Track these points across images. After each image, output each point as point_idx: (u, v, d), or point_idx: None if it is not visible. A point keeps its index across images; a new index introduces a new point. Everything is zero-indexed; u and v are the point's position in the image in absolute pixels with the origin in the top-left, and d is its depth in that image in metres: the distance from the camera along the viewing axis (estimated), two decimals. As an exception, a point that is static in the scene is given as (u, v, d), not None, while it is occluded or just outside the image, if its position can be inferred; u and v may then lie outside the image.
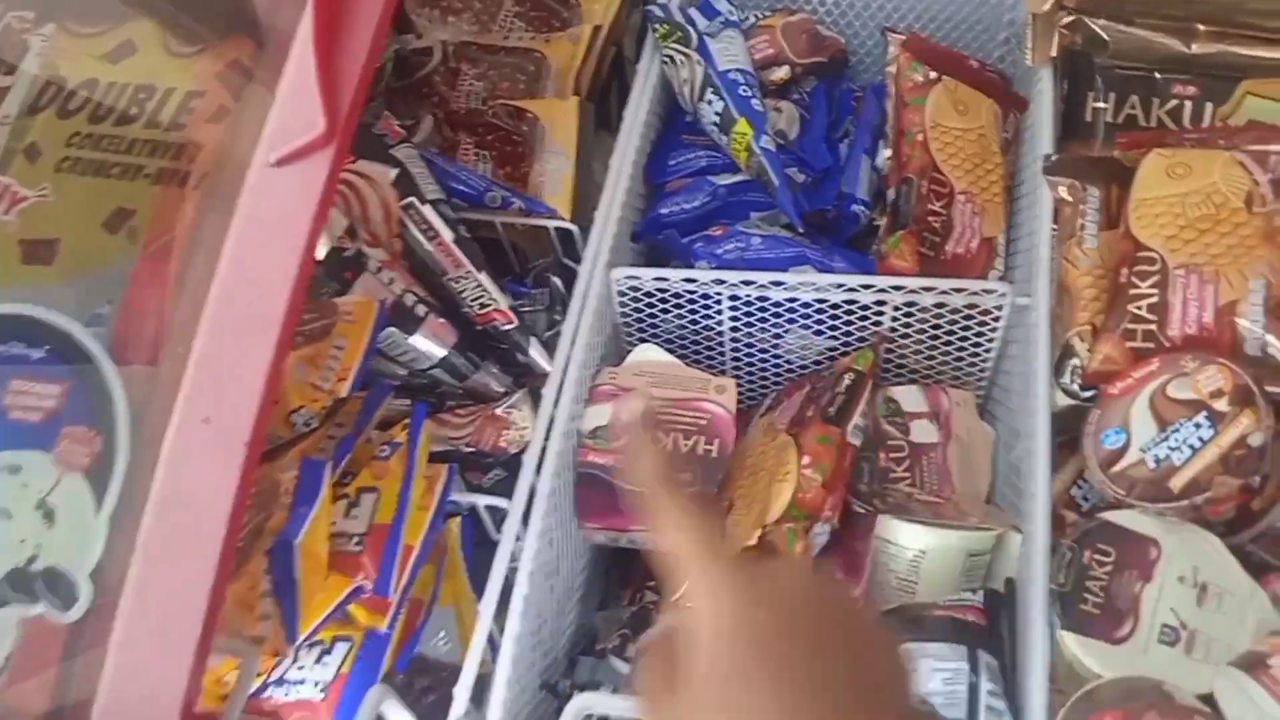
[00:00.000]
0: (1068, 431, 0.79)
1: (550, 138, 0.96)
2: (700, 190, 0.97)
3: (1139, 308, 0.77)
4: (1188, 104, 0.90)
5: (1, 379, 0.59)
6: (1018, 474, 0.81)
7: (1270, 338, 0.73)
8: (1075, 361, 0.79)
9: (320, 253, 0.80)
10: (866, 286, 0.86)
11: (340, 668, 0.71)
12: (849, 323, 0.90)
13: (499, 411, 0.85)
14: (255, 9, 0.68)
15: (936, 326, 0.89)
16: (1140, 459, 0.70)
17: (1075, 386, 0.79)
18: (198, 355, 0.58)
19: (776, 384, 0.98)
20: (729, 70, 0.96)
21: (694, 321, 0.93)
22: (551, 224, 0.93)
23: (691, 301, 0.90)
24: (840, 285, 0.86)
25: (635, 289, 0.90)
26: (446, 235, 0.86)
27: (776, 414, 0.90)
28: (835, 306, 0.88)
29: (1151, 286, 0.77)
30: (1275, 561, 0.70)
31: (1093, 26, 0.92)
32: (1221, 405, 0.69)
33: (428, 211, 0.86)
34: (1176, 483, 0.68)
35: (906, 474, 0.88)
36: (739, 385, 0.90)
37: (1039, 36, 0.93)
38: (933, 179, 0.92)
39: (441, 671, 0.82)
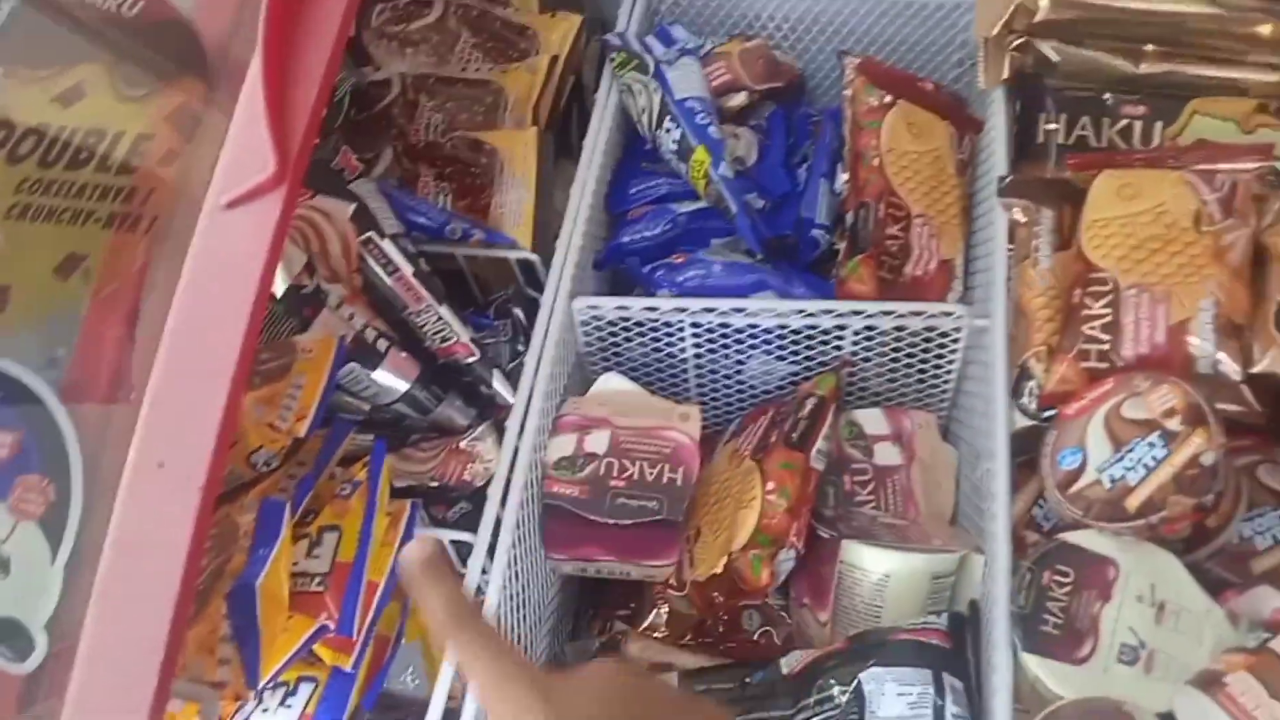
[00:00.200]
0: (1028, 452, 0.79)
1: (509, 169, 0.96)
2: (661, 218, 0.98)
3: (1092, 328, 0.78)
4: (1137, 124, 0.92)
5: (-48, 429, 0.59)
6: (980, 495, 0.82)
7: (1221, 355, 0.74)
8: (1032, 383, 0.80)
9: (278, 290, 0.80)
10: (826, 312, 0.86)
11: (305, 708, 0.71)
12: (810, 347, 0.90)
13: (463, 445, 0.85)
14: (205, 51, 0.68)
15: (897, 349, 0.90)
16: (1096, 479, 0.71)
17: (1033, 407, 0.80)
18: (151, 399, 0.57)
19: (742, 409, 0.98)
20: (686, 98, 0.96)
21: (657, 349, 0.93)
22: (513, 255, 0.94)
23: (654, 329, 0.91)
24: (800, 311, 0.87)
25: (598, 318, 0.90)
26: (406, 269, 0.86)
27: (741, 440, 0.90)
28: (796, 332, 0.89)
29: (1104, 307, 0.78)
30: (1232, 578, 0.71)
31: (1042, 49, 0.93)
32: (1174, 424, 0.70)
33: (387, 246, 0.86)
34: (1132, 502, 0.69)
35: (871, 496, 0.89)
36: (704, 411, 0.91)
37: (990, 60, 0.94)
38: (890, 202, 0.93)
39: (410, 708, 0.81)
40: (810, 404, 0.87)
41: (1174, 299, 0.77)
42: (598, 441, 0.84)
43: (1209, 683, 0.61)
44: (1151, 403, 0.71)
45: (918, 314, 0.86)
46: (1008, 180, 0.87)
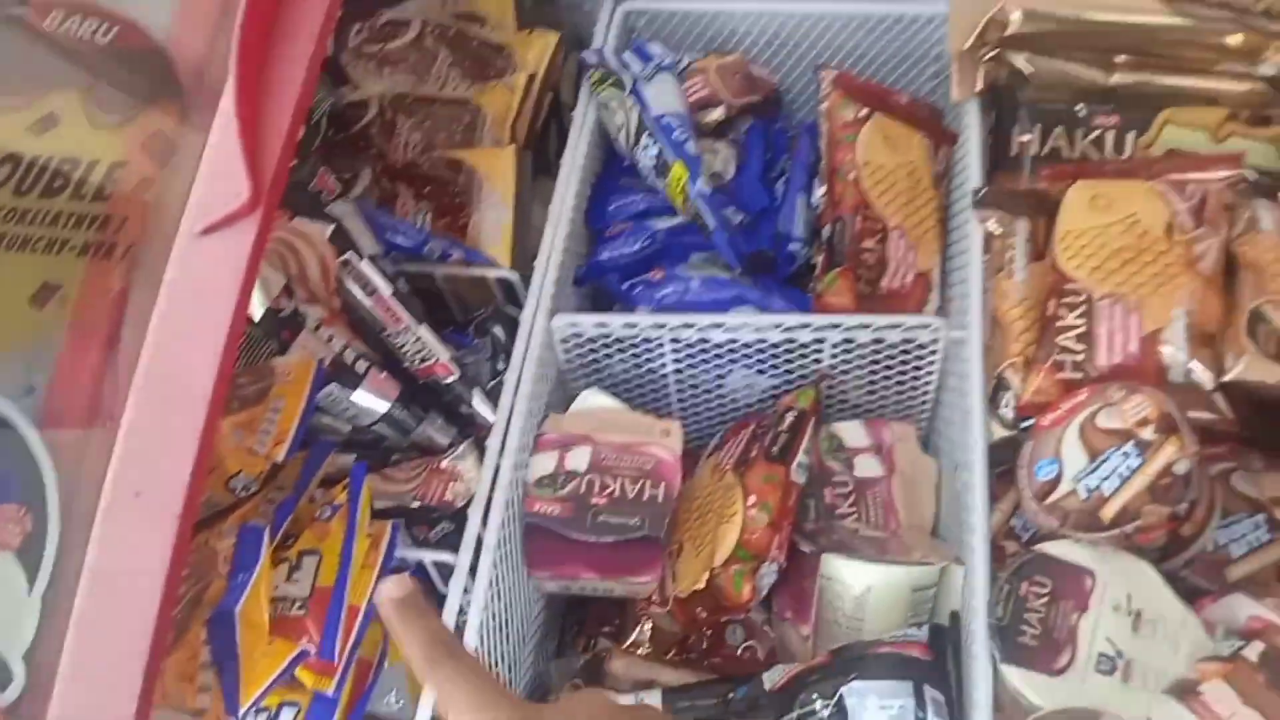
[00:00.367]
0: (1006, 462, 0.80)
1: (488, 188, 0.97)
2: (640, 234, 0.98)
3: (1067, 339, 0.78)
4: (1109, 134, 0.92)
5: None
6: (960, 506, 0.82)
7: (1194, 364, 0.75)
8: (1009, 394, 0.80)
9: (257, 314, 0.80)
10: (804, 325, 0.87)
11: (288, 733, 0.70)
12: (790, 361, 0.91)
13: (444, 464, 0.85)
14: (179, 77, 0.68)
15: (875, 361, 0.90)
16: (1073, 489, 0.71)
17: (1010, 418, 0.80)
18: (127, 428, 0.57)
19: (723, 423, 0.99)
20: (663, 115, 0.97)
21: (638, 365, 0.93)
22: (492, 273, 0.94)
23: (634, 345, 0.91)
24: (778, 325, 0.87)
25: (578, 335, 0.90)
26: (385, 290, 0.86)
27: (723, 454, 0.91)
28: (775, 345, 0.89)
29: (1078, 317, 0.79)
30: (1208, 586, 0.71)
31: (1015, 61, 0.94)
32: (1148, 434, 0.70)
33: (365, 267, 0.86)
34: (1107, 512, 0.70)
35: (852, 509, 0.89)
36: (686, 426, 0.91)
37: (963, 72, 0.95)
38: (866, 216, 0.94)
39: (394, 729, 0.81)
40: (790, 417, 0.87)
41: (1147, 309, 0.77)
42: (579, 459, 0.84)
43: (1184, 692, 0.61)
44: (1125, 412, 0.72)
45: (895, 326, 0.87)
46: (982, 192, 0.88)
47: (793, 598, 0.83)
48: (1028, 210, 0.87)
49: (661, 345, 0.90)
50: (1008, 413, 0.80)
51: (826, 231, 0.95)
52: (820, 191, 0.98)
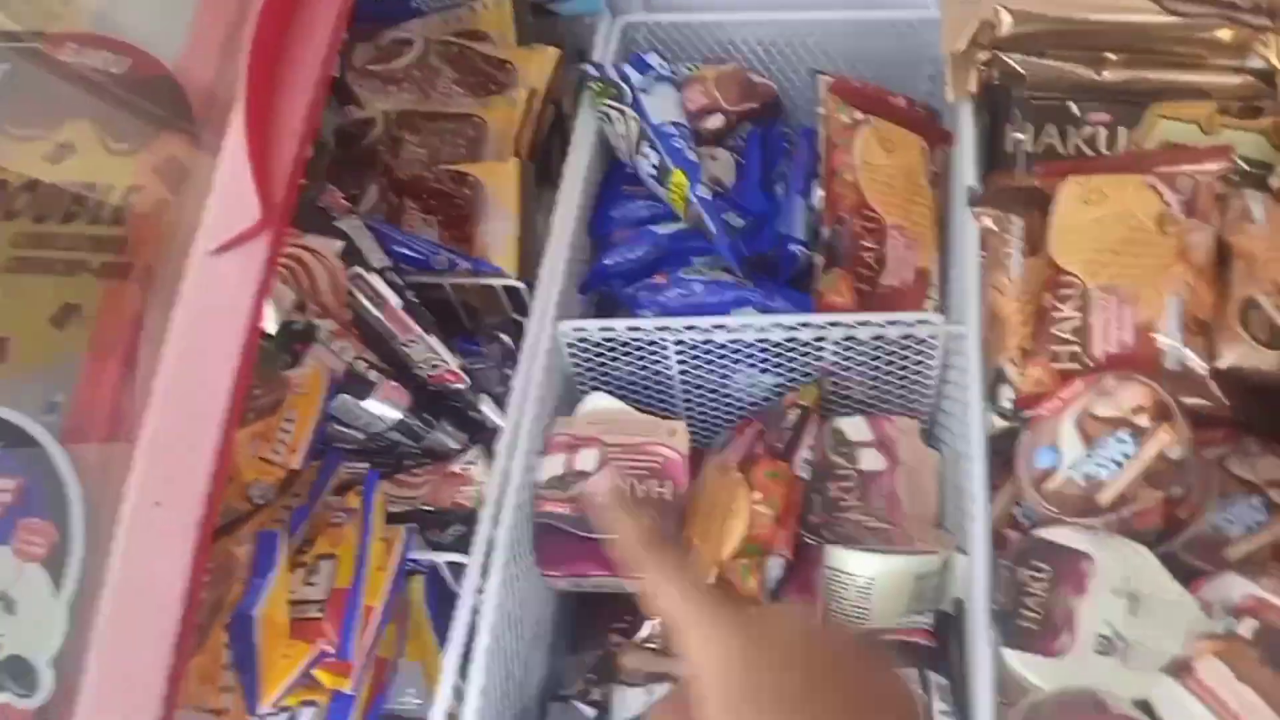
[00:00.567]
0: (1006, 453, 0.81)
1: (493, 199, 0.99)
2: (643, 240, 1.00)
3: (1063, 330, 0.80)
4: (1102, 130, 0.94)
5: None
6: (962, 496, 0.84)
7: (1188, 352, 0.76)
8: (1007, 386, 0.82)
9: (271, 328, 0.83)
10: (805, 324, 0.89)
11: (308, 733, 0.73)
12: (792, 359, 0.92)
13: (455, 468, 0.87)
14: (190, 102, 0.70)
15: (877, 358, 0.92)
16: (1070, 476, 0.73)
17: (1009, 409, 0.82)
18: (147, 441, 0.59)
19: (729, 422, 1.00)
20: (662, 124, 0.99)
21: (644, 368, 0.95)
22: (499, 282, 0.96)
23: (639, 349, 0.93)
24: (780, 325, 0.89)
25: (584, 340, 0.92)
26: (394, 301, 0.89)
27: (728, 452, 0.92)
28: (778, 345, 0.91)
29: (1074, 309, 0.80)
30: (1205, 567, 0.72)
31: (1009, 61, 0.95)
32: (1142, 421, 0.72)
33: (375, 280, 0.88)
34: (1105, 497, 0.71)
35: (857, 502, 0.90)
36: (692, 426, 0.93)
37: (957, 73, 0.97)
38: (864, 216, 0.96)
39: (413, 728, 0.83)
40: (794, 414, 0.89)
41: (1141, 299, 0.79)
42: (587, 459, 0.86)
43: (1180, 669, 0.62)
44: (1120, 401, 0.73)
45: (894, 323, 0.88)
46: (978, 190, 0.90)
47: (799, 589, 0.85)
48: (1022, 206, 0.88)
49: (666, 348, 0.92)
50: (1006, 404, 0.82)
51: (826, 233, 0.96)
52: (819, 194, 0.99)
